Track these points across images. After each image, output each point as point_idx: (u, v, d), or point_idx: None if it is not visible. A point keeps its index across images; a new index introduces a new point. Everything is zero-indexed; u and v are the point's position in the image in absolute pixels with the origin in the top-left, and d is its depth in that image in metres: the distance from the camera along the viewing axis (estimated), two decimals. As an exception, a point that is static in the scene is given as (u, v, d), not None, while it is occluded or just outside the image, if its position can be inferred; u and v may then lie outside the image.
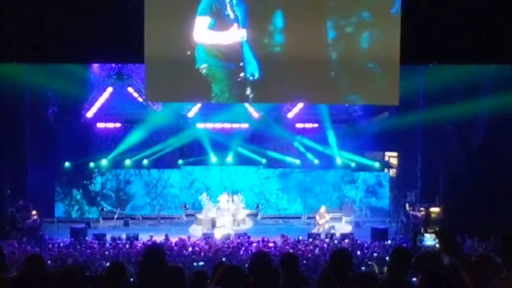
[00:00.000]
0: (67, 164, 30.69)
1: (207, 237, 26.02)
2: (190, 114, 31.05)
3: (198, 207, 30.88)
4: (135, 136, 30.74)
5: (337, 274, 7.32)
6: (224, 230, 28.02)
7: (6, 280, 7.76)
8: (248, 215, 30.66)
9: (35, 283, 6.65)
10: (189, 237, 25.56)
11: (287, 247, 23.63)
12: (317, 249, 23.52)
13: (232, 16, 20.26)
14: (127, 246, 24.36)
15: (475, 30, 20.17)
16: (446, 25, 20.13)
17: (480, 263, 6.78)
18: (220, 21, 20.55)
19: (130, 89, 29.45)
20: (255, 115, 31.10)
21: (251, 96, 20.91)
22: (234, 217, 29.15)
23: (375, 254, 22.06)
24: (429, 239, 23.93)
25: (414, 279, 7.71)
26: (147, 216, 31.36)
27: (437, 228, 25.25)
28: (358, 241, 25.38)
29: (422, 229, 26.18)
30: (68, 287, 6.62)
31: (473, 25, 20.15)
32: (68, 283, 6.71)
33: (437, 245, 5.56)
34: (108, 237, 26.31)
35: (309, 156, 31.90)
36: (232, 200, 30.00)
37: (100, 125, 31.35)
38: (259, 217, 31.53)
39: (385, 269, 9.13)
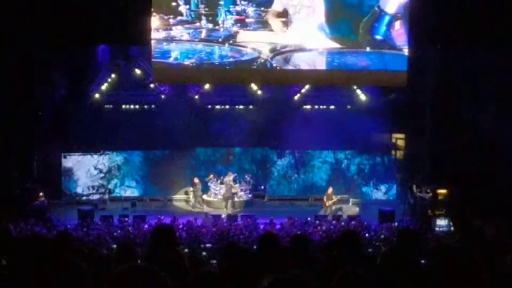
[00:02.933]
0: (74, 146, 30.70)
1: (215, 218, 26.06)
2: (198, 96, 31.02)
3: (205, 188, 30.91)
4: (142, 118, 30.68)
5: (346, 255, 7.30)
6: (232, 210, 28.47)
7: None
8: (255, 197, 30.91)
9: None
10: (196, 219, 25.60)
11: (294, 229, 23.65)
12: (324, 229, 23.58)
13: None
14: (134, 227, 24.42)
15: (484, 13, 20.16)
16: (456, 7, 20.13)
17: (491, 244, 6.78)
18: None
19: (137, 71, 29.39)
20: (263, 96, 31.06)
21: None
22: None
23: (382, 236, 22.09)
24: (443, 225, 24.03)
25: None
26: (154, 198, 31.37)
27: (444, 211, 25.37)
28: (365, 223, 25.39)
29: (429, 211, 26.25)
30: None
31: (481, 9, 20.14)
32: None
33: (451, 228, 5.56)
34: (115, 219, 26.40)
35: (316, 137, 31.80)
36: (239, 182, 30.29)
37: (108, 107, 31.34)
38: (266, 198, 31.57)
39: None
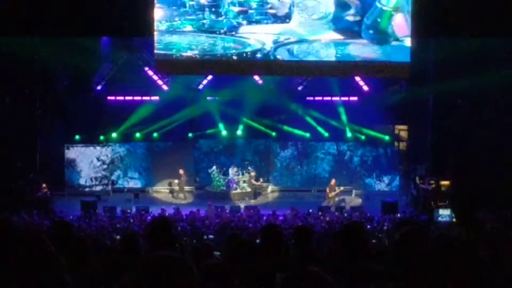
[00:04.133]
0: (77, 137, 30.72)
1: (218, 209, 26.09)
2: (200, 87, 31.01)
3: (209, 180, 30.96)
4: (145, 109, 30.71)
5: (349, 246, 7.30)
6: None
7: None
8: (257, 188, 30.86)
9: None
10: (198, 210, 25.63)
11: (297, 220, 23.66)
12: (327, 220, 23.59)
13: None
14: (137, 219, 24.44)
15: (487, 3, 20.10)
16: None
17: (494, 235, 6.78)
18: None
19: (140, 62, 29.38)
20: (266, 88, 31.04)
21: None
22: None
23: (385, 227, 22.10)
24: (445, 215, 24.04)
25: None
26: (157, 189, 31.39)
27: (447, 202, 25.40)
28: (368, 214, 25.41)
29: (432, 203, 26.26)
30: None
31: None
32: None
33: (454, 219, 5.55)
34: (118, 210, 26.44)
35: (319, 129, 31.80)
36: (242, 174, 30.38)
37: (110, 98, 31.35)
38: (269, 190, 31.56)
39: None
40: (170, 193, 30.95)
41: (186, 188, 30.61)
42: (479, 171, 25.95)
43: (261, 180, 30.72)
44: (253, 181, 30.17)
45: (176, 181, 30.54)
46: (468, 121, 27.08)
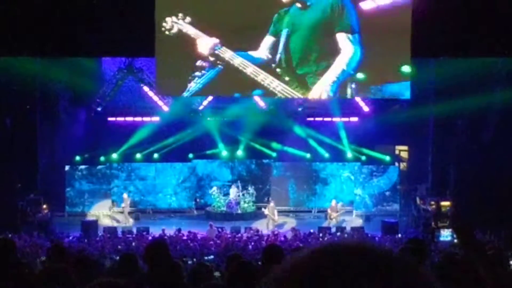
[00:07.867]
0: (77, 157, 30.68)
1: (218, 230, 26.01)
2: (201, 108, 31.01)
3: (208, 201, 30.95)
4: (145, 130, 30.73)
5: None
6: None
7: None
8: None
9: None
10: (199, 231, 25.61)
11: (298, 241, 23.60)
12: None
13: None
14: (138, 239, 24.39)
15: (487, 23, 20.14)
16: (458, 18, 20.11)
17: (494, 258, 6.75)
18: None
19: (140, 83, 29.40)
20: (266, 108, 31.02)
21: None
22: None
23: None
24: (447, 235, 23.95)
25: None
26: (158, 210, 31.32)
27: (447, 222, 25.32)
28: (369, 235, 25.35)
29: (433, 224, 26.19)
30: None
31: (484, 18, 20.12)
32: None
33: (455, 240, 5.52)
34: (119, 231, 26.40)
35: (320, 149, 31.78)
36: (242, 194, 30.31)
37: (111, 119, 31.36)
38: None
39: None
40: (108, 216, 30.55)
41: (128, 210, 30.09)
42: (480, 192, 25.87)
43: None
44: (274, 214, 29.35)
45: (122, 205, 29.96)
46: (468, 142, 27.05)
